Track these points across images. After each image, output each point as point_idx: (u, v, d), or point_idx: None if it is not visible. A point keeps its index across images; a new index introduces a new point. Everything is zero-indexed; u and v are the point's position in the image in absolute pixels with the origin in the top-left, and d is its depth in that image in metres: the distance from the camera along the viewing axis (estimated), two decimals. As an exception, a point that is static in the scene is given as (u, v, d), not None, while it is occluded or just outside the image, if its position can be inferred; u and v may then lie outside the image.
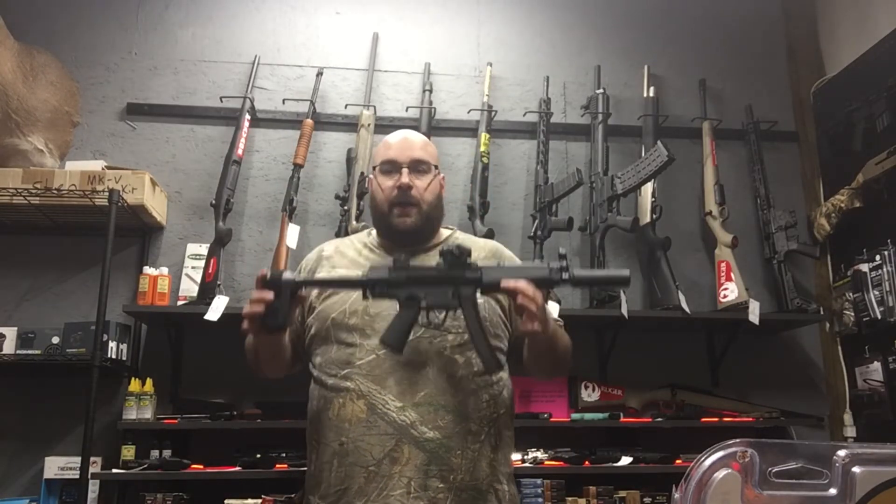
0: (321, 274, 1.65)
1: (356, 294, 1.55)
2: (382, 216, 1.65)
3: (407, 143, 1.67)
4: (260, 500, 2.32)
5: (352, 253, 1.68)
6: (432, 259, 1.56)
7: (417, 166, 1.64)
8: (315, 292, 1.63)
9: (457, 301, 1.46)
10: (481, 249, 1.69)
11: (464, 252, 1.46)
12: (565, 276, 1.44)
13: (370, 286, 1.46)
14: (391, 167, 1.64)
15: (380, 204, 1.65)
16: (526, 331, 1.44)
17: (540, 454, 2.52)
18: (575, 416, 2.62)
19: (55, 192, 2.47)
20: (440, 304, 1.47)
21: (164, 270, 2.63)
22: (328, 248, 1.73)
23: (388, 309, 1.51)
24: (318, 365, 1.59)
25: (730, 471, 0.86)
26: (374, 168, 1.69)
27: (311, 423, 1.60)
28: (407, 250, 1.61)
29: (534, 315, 1.40)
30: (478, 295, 1.48)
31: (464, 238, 1.74)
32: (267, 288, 1.46)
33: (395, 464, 1.46)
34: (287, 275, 1.48)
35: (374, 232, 1.73)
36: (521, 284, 1.40)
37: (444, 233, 1.73)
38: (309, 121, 2.81)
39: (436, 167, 1.68)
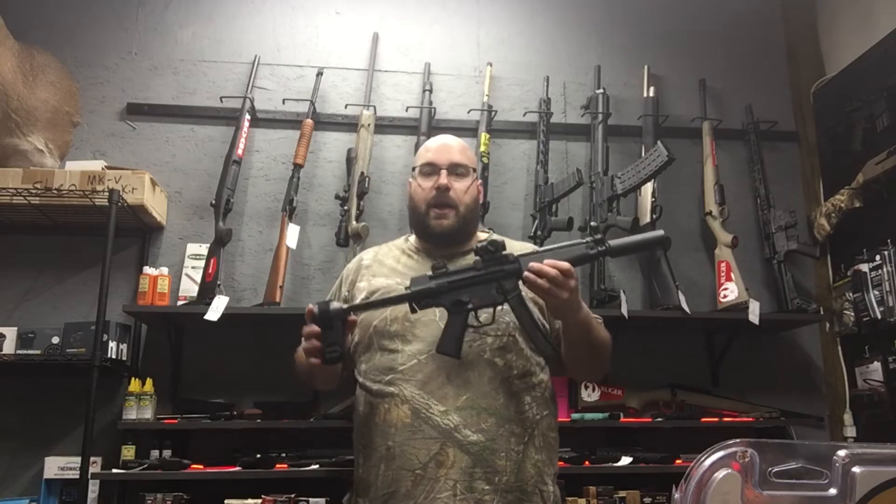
0: (362, 284, 1.68)
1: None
2: (420, 217, 1.67)
3: (446, 147, 1.71)
4: (260, 500, 2.32)
5: (390, 261, 1.71)
6: (469, 261, 1.59)
7: (456, 169, 1.67)
8: (358, 299, 1.65)
9: (502, 296, 1.48)
10: (516, 251, 1.70)
11: (498, 246, 1.49)
12: (602, 248, 1.48)
13: (415, 299, 1.48)
14: (431, 169, 1.68)
15: (418, 204, 1.68)
16: (548, 300, 1.46)
17: (540, 454, 2.52)
18: (575, 416, 2.62)
19: (55, 192, 2.47)
20: (487, 303, 1.49)
21: (164, 270, 2.63)
22: (367, 256, 1.76)
23: (427, 313, 1.54)
24: (363, 372, 1.62)
25: (730, 471, 0.86)
26: (413, 170, 1.73)
27: (358, 428, 1.62)
28: (444, 253, 1.65)
29: (552, 292, 1.43)
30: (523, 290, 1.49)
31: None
32: (316, 322, 1.46)
33: (441, 467, 1.48)
34: (334, 305, 1.48)
35: (411, 238, 1.76)
36: (546, 268, 1.43)
37: (481, 236, 1.75)
38: (309, 121, 2.81)
39: (474, 170, 1.72)
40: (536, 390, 1.59)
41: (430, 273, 1.50)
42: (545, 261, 1.45)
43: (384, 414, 1.54)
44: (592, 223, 1.53)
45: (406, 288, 1.50)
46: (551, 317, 1.60)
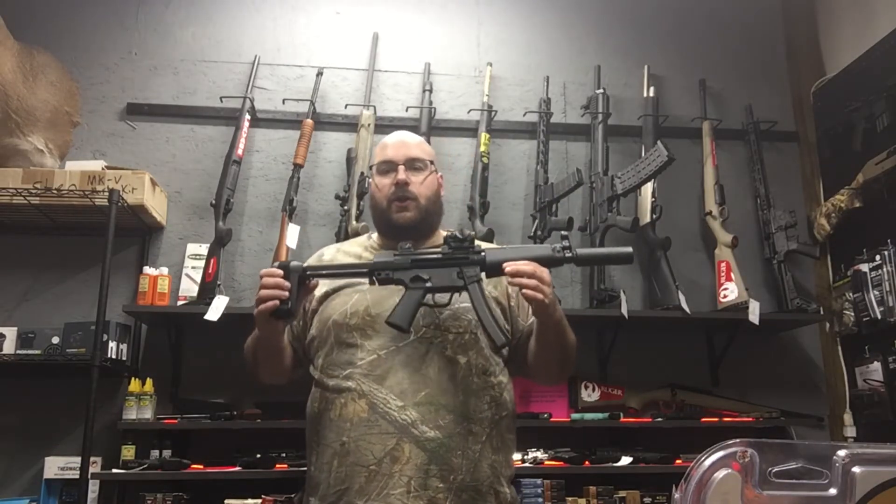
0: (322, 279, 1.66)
1: (357, 295, 1.57)
2: (382, 213, 1.67)
3: (402, 143, 1.71)
4: (260, 500, 2.32)
5: (352, 258, 1.70)
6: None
7: (413, 164, 1.67)
8: (316, 295, 1.64)
9: (462, 281, 1.48)
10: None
11: (467, 236, 1.50)
12: (569, 254, 1.48)
13: (375, 271, 1.49)
14: (388, 167, 1.67)
15: (379, 202, 1.68)
16: (534, 299, 1.45)
17: (540, 454, 2.52)
18: (575, 416, 2.62)
19: (55, 192, 2.47)
20: (445, 285, 1.49)
21: (164, 270, 2.63)
22: (328, 252, 1.76)
23: (389, 309, 1.52)
24: (320, 367, 1.60)
25: (730, 471, 0.86)
26: (370, 168, 1.74)
27: (312, 425, 1.60)
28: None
29: (540, 289, 1.43)
30: (484, 280, 1.50)
31: None
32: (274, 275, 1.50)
33: (396, 463, 1.46)
34: (294, 263, 1.51)
35: (374, 235, 1.75)
36: (525, 266, 1.44)
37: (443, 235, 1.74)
38: (309, 121, 2.81)
39: (432, 163, 1.71)
40: (496, 390, 1.57)
41: (395, 252, 1.52)
42: (519, 260, 1.46)
43: (340, 409, 1.52)
44: (563, 232, 1.53)
45: (369, 262, 1.53)
46: (532, 316, 1.59)
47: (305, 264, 1.57)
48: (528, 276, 1.43)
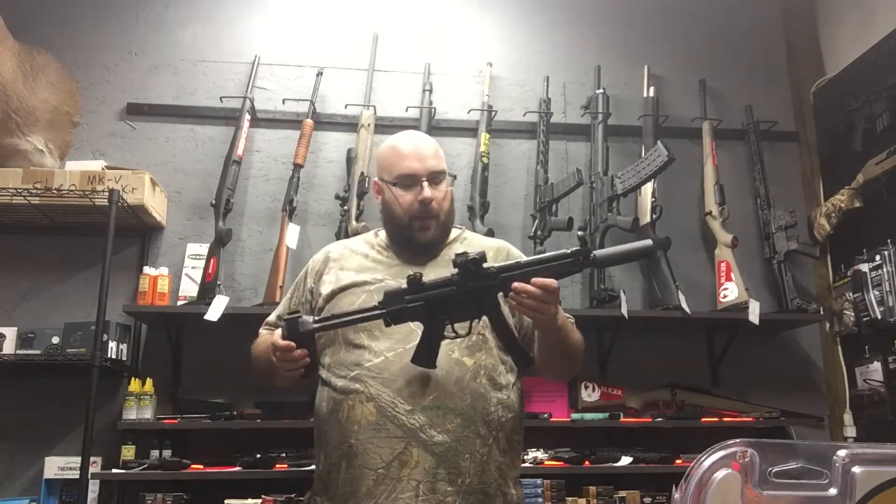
0: (329, 276, 1.66)
1: (364, 296, 1.57)
2: (401, 228, 1.64)
3: (421, 152, 1.65)
4: (260, 500, 2.32)
5: (359, 256, 1.69)
6: (442, 262, 1.58)
7: (436, 178, 1.63)
8: (323, 293, 1.64)
9: (479, 312, 1.48)
10: (489, 249, 1.68)
11: (478, 263, 1.45)
12: (587, 261, 1.44)
13: (390, 317, 1.47)
14: (411, 181, 1.62)
15: (398, 217, 1.63)
16: (532, 318, 1.45)
17: (540, 454, 2.52)
18: (575, 416, 2.62)
19: (55, 192, 2.47)
20: (463, 318, 1.48)
21: (164, 270, 2.63)
22: (335, 250, 1.74)
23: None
24: (328, 366, 1.59)
25: (730, 471, 0.86)
26: (383, 180, 1.67)
27: (320, 425, 1.60)
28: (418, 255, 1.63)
29: (540, 310, 1.42)
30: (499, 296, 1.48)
31: (472, 238, 1.74)
32: (287, 339, 1.49)
33: (404, 467, 1.46)
34: (304, 324, 1.50)
35: (381, 233, 1.73)
36: (529, 287, 1.41)
37: (453, 232, 1.73)
38: (309, 121, 2.81)
39: (445, 171, 1.69)
40: (504, 392, 1.56)
41: (404, 286, 1.47)
42: (531, 280, 1.41)
43: (348, 411, 1.51)
44: (580, 233, 1.49)
45: (379, 303, 1.48)
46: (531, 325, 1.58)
47: (314, 321, 1.52)
48: (531, 296, 1.41)
